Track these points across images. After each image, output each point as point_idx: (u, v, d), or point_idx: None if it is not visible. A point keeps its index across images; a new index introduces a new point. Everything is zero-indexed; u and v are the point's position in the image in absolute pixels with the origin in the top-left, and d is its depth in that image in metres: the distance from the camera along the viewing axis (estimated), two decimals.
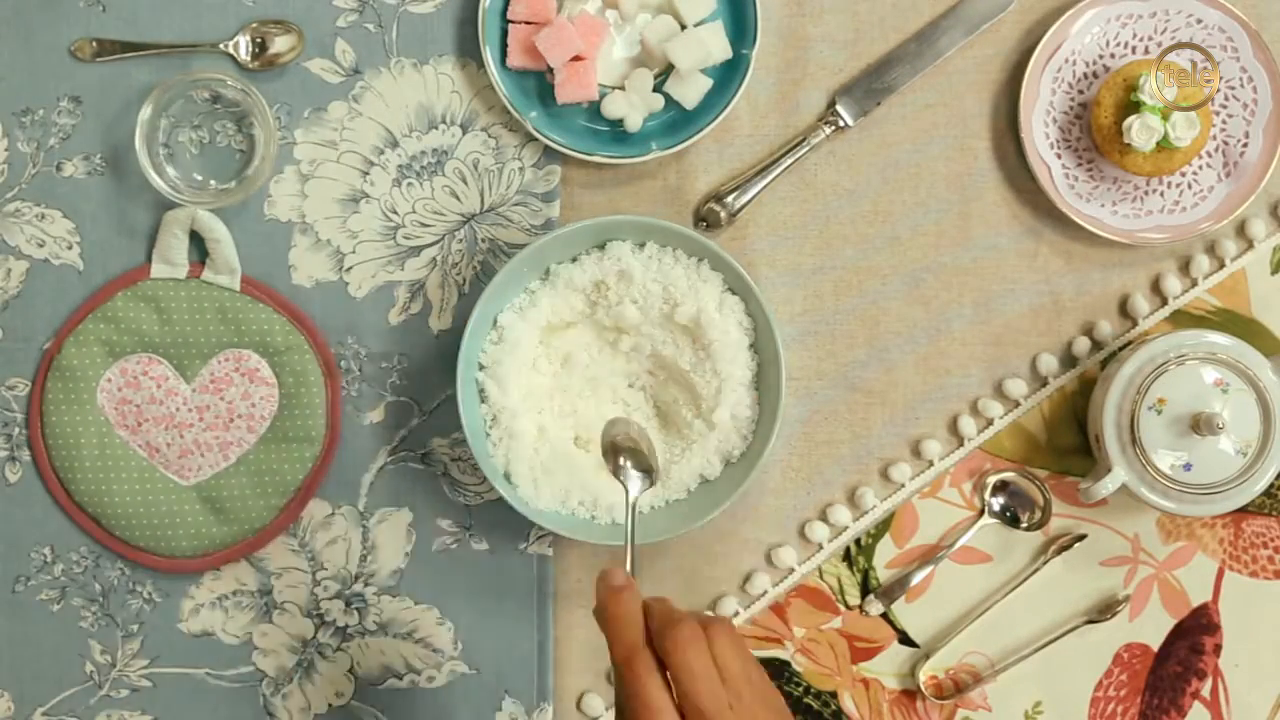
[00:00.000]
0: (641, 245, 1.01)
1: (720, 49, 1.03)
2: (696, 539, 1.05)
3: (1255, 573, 1.06)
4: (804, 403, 1.06)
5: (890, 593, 1.06)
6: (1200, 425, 0.98)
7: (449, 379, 0.99)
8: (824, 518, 1.06)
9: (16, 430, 1.04)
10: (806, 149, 1.05)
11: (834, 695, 1.06)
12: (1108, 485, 0.99)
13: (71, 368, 1.03)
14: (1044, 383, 1.06)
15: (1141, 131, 1.00)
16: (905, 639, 1.06)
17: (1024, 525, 1.06)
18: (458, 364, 0.99)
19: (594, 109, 1.04)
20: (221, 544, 1.04)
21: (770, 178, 1.05)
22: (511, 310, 1.01)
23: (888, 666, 1.06)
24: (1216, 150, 1.05)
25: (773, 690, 0.80)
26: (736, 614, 1.05)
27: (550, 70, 1.03)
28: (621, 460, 0.92)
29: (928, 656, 1.06)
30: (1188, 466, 0.99)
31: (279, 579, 1.05)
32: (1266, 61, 1.04)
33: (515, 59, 1.03)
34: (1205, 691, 1.06)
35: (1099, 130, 1.02)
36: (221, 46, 1.04)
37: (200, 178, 1.04)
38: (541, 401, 1.02)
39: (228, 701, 1.05)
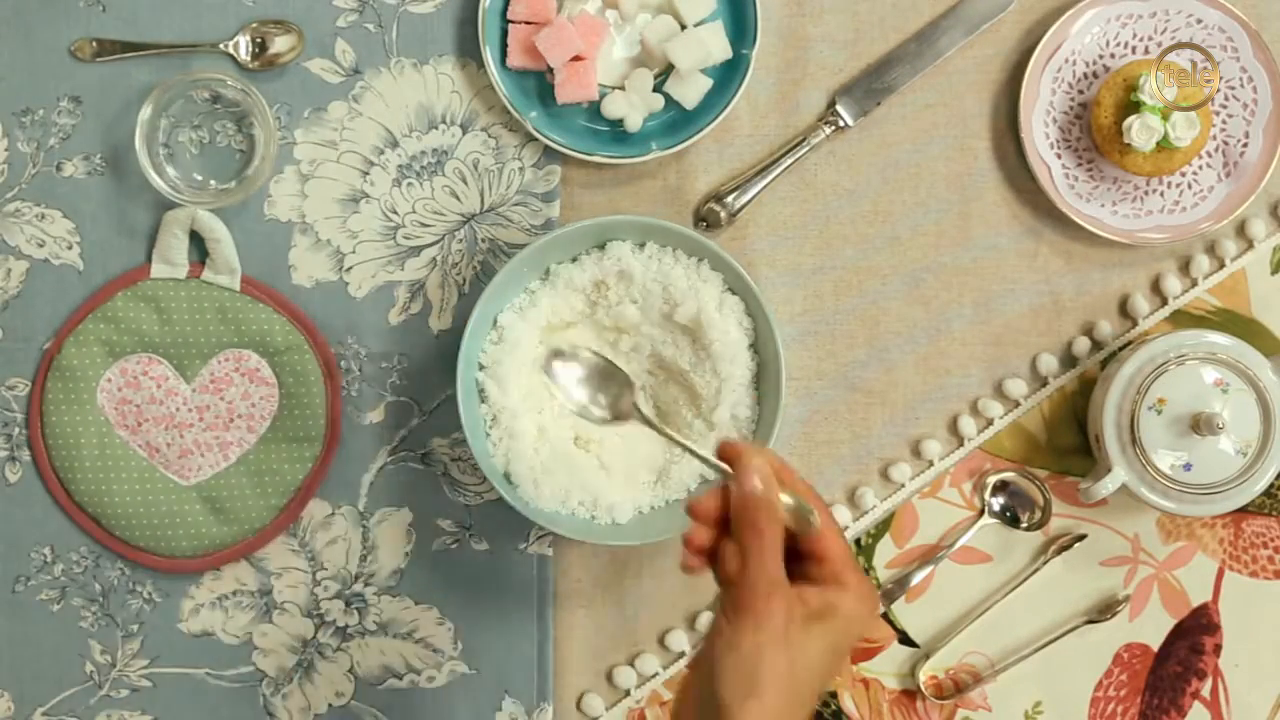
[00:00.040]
0: (641, 245, 1.01)
1: (720, 49, 1.03)
2: None
3: (1255, 573, 1.06)
4: (804, 403, 1.06)
5: (890, 593, 1.06)
6: (1200, 425, 0.98)
7: (449, 379, 0.99)
8: None
9: (16, 430, 1.04)
10: (806, 149, 1.05)
11: (834, 695, 1.06)
12: (1108, 485, 0.99)
13: (71, 368, 1.03)
14: (1044, 383, 1.06)
15: (1141, 131, 0.99)
16: (905, 639, 1.06)
17: (1024, 525, 1.06)
18: (458, 364, 0.98)
19: (594, 109, 1.04)
20: (221, 544, 1.04)
21: (770, 178, 1.05)
22: (511, 310, 1.01)
23: (888, 666, 1.06)
24: (1216, 150, 1.05)
25: None
26: None
27: (550, 70, 1.03)
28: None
29: (928, 656, 1.06)
30: (1188, 466, 0.99)
31: (279, 579, 1.05)
32: (1266, 61, 1.04)
33: (515, 59, 1.03)
34: (1205, 691, 1.06)
35: (1099, 130, 1.02)
36: (221, 46, 1.04)
37: (200, 178, 1.04)
38: (541, 401, 1.02)
39: (228, 701, 1.05)
